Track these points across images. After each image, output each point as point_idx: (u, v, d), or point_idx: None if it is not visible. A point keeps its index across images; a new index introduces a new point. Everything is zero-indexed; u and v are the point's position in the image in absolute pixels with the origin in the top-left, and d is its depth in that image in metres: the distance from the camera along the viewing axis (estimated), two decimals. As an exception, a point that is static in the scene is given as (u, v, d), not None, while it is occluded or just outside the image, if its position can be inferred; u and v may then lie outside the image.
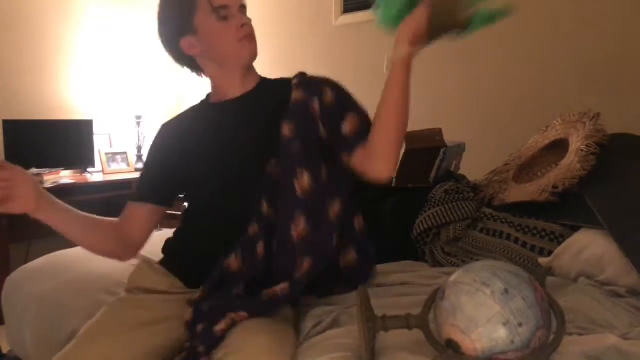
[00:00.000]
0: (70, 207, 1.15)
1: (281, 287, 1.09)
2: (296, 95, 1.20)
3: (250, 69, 1.26)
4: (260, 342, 0.96)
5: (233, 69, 1.23)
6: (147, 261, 1.26)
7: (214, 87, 1.29)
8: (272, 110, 1.21)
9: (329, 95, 1.19)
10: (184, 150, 1.25)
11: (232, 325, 1.04)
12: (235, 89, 1.25)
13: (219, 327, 1.03)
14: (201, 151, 1.24)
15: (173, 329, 1.11)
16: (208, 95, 1.33)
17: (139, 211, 1.26)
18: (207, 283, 1.12)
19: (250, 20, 1.22)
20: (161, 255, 1.29)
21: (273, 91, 1.26)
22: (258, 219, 1.14)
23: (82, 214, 1.16)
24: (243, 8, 1.22)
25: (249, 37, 1.20)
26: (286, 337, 1.04)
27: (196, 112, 1.32)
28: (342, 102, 1.19)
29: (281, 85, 1.26)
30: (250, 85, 1.26)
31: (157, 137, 1.33)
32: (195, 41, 1.20)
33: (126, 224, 1.25)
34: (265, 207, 1.15)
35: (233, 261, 1.13)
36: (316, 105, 1.17)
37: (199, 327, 1.05)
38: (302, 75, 1.26)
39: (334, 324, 1.13)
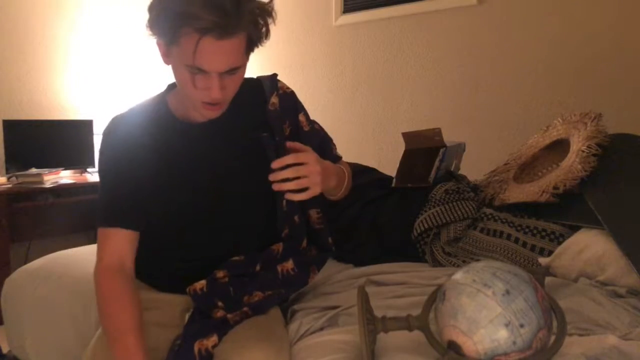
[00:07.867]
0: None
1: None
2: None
3: None
4: (257, 356, 0.97)
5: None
6: None
7: (178, 102, 1.17)
8: (246, 127, 1.16)
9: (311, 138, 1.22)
10: (149, 166, 1.14)
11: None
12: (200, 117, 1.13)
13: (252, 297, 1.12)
14: (169, 172, 1.14)
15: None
16: (168, 93, 1.19)
17: (121, 237, 1.11)
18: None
19: (231, 82, 1.03)
20: None
21: (245, 105, 1.17)
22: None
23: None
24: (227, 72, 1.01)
25: (214, 105, 1.04)
26: (282, 345, 1.04)
27: (158, 124, 1.17)
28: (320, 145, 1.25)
29: (253, 94, 1.19)
30: None
31: (111, 141, 1.22)
32: (166, 52, 1.05)
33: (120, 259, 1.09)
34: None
35: (220, 273, 1.14)
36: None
37: (218, 313, 1.07)
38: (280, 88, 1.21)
39: (333, 324, 1.13)
